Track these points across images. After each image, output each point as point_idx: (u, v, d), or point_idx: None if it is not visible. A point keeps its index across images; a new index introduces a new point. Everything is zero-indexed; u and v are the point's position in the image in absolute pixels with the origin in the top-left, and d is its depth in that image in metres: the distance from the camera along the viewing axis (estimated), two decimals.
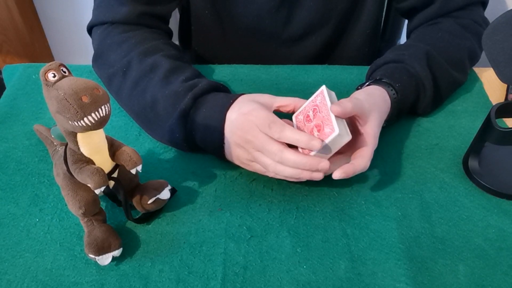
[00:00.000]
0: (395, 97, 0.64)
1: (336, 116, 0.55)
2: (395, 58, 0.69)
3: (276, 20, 0.85)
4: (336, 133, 0.53)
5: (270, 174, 0.58)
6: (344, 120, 0.56)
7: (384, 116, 0.62)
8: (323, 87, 0.59)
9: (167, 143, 0.65)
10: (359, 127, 0.59)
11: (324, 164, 0.54)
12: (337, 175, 0.54)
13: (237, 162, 0.61)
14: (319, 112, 0.57)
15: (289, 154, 0.54)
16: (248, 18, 0.85)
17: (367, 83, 0.66)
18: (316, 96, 0.59)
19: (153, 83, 0.65)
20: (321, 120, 0.56)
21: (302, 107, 0.61)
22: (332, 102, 0.56)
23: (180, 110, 0.60)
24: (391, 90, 0.64)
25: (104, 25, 0.75)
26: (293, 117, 0.61)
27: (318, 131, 0.55)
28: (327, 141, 0.54)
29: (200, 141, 0.62)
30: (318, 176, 0.55)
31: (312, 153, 0.55)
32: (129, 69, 0.68)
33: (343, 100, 0.56)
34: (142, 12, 0.74)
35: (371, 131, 0.58)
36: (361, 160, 0.56)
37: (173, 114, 0.61)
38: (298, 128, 0.59)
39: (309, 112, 0.59)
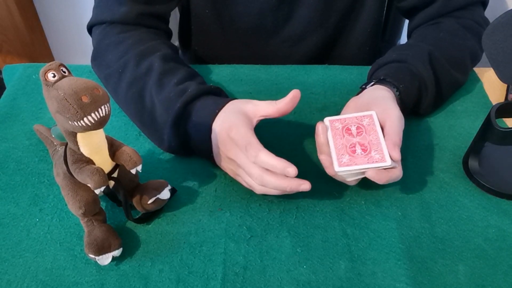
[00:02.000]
0: (398, 97, 0.64)
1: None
2: (398, 58, 0.69)
3: (277, 19, 0.85)
4: (387, 163, 0.53)
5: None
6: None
7: None
8: (373, 112, 0.58)
9: (166, 151, 0.65)
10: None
11: (306, 185, 0.53)
12: (369, 173, 0.54)
13: (227, 172, 0.61)
14: (366, 133, 0.57)
15: (269, 178, 0.53)
16: (249, 17, 0.85)
17: (372, 83, 0.66)
18: (363, 116, 0.58)
19: (149, 86, 0.65)
20: (368, 142, 0.56)
21: (341, 116, 0.59)
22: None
23: (172, 119, 0.60)
24: (394, 89, 0.64)
25: (103, 25, 0.75)
26: (327, 120, 0.60)
27: (363, 150, 0.55)
28: (373, 165, 0.54)
29: (194, 148, 0.62)
30: (306, 187, 0.54)
31: (345, 172, 0.55)
32: (124, 71, 0.68)
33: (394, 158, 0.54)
34: (140, 12, 0.74)
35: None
36: (396, 169, 0.55)
37: (167, 122, 0.61)
38: (333, 134, 0.58)
39: (351, 126, 0.58)
